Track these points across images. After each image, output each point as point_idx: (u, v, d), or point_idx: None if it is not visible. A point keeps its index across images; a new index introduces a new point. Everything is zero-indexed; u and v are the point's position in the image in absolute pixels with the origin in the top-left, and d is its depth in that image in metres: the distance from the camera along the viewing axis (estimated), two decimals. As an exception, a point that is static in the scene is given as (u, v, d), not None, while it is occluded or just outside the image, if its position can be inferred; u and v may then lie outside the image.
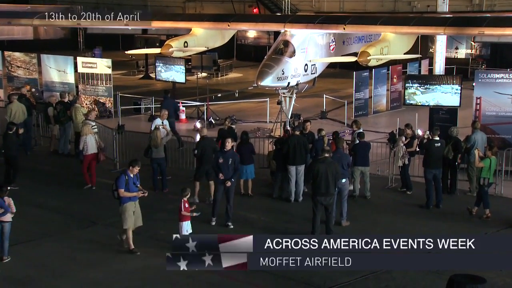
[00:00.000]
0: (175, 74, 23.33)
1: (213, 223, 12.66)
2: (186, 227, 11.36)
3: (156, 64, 24.18)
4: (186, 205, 11.48)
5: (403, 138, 14.94)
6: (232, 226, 12.53)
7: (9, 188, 11.37)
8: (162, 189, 14.97)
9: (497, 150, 13.52)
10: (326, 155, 12.04)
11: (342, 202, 12.74)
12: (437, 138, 14.00)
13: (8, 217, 11.07)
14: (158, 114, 17.06)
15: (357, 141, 14.83)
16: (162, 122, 15.71)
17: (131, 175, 11.34)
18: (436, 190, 13.99)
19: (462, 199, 14.62)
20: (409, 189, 15.04)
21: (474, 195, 14.48)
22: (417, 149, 15.05)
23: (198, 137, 17.45)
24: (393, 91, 24.98)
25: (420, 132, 18.09)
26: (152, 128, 15.40)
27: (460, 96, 17.54)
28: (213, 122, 22.11)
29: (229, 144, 12.69)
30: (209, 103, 22.96)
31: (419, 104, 18.16)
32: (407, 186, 15.07)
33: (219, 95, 24.24)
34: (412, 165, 15.46)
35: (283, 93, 19.93)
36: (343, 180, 12.65)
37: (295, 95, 20.20)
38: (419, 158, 15.53)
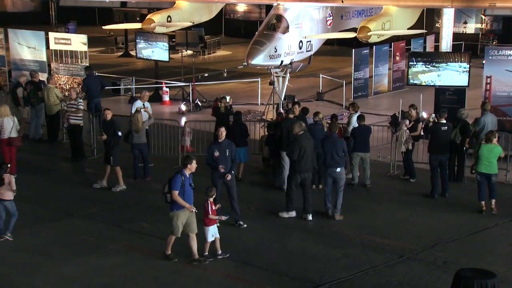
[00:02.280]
0: (158, 51, 23.21)
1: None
2: (212, 232, 10.85)
3: (137, 40, 24.02)
4: (213, 207, 10.90)
5: (407, 122, 14.96)
6: (245, 225, 12.17)
7: (9, 165, 11.58)
8: (144, 177, 14.97)
9: (490, 136, 12.86)
10: (303, 131, 12.58)
11: (337, 193, 12.69)
12: (444, 121, 14.02)
13: (10, 195, 11.40)
14: (138, 95, 17.00)
15: (356, 125, 14.84)
16: (143, 104, 15.65)
17: (187, 175, 10.65)
18: (442, 177, 14.04)
19: (470, 188, 14.67)
20: (413, 176, 15.09)
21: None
22: (422, 133, 15.08)
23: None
24: (395, 70, 24.99)
25: (425, 115, 18.14)
26: (133, 111, 15.34)
27: (469, 75, 17.56)
28: (200, 104, 22.06)
29: (223, 133, 12.19)
30: (195, 83, 22.88)
31: (424, 84, 18.19)
32: (411, 173, 15.12)
33: (206, 74, 24.17)
34: (416, 150, 15.50)
35: (276, 73, 19.86)
36: (338, 169, 12.62)
37: (288, 74, 20.14)
38: (423, 143, 15.58)
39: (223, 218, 11.09)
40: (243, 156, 14.71)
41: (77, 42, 22.08)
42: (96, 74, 21.26)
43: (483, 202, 13.00)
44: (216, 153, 12.09)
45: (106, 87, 20.22)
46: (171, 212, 10.63)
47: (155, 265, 10.69)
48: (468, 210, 13.26)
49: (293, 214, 12.68)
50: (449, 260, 10.90)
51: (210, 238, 10.86)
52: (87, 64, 20.87)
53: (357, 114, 15.24)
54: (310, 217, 12.54)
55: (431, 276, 10.41)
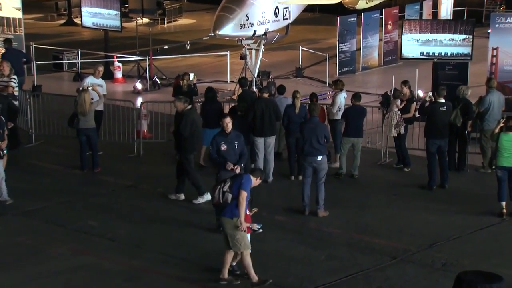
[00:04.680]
0: (107, 19, 22.98)
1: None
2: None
3: (82, 6, 23.76)
4: (247, 212, 10.33)
5: (398, 101, 14.99)
6: None
7: None
8: (93, 169, 14.87)
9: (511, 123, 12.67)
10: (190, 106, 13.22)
11: (318, 186, 12.72)
12: (443, 100, 14.12)
13: None
14: (91, 71, 16.74)
15: (342, 105, 14.87)
16: (90, 81, 15.50)
17: None
18: (441, 166, 14.16)
19: (473, 178, 14.84)
20: (407, 165, 15.20)
21: (488, 171, 14.72)
22: (416, 115, 15.17)
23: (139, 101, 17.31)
24: (387, 41, 25.10)
25: (421, 93, 18.25)
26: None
27: (472, 47, 17.68)
28: (158, 82, 21.95)
29: (229, 123, 11.95)
30: (153, 57, 22.74)
31: (420, 57, 18.28)
32: (404, 161, 15.23)
33: (166, 47, 24.02)
34: (411, 135, 15.60)
35: (248, 45, 19.82)
36: (319, 158, 12.64)
37: (262, 47, 20.12)
38: (419, 126, 15.69)
39: (256, 227, 10.87)
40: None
41: (9, 7, 21.75)
42: (20, 46, 20.99)
43: (503, 203, 12.79)
44: (223, 147, 11.86)
45: (45, 62, 19.99)
46: (236, 218, 9.86)
47: (106, 272, 10.63)
48: (471, 203, 13.38)
49: (208, 197, 12.93)
50: (449, 261, 11.00)
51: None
52: (20, 34, 20.58)
53: (343, 93, 15.28)
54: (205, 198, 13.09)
55: (428, 281, 10.51)
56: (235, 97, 19.69)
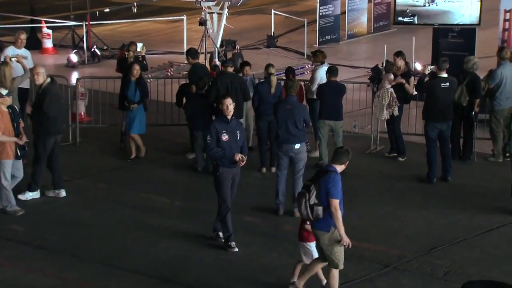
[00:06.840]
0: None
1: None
2: (314, 252, 10.27)
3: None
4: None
5: (391, 76, 15.04)
6: (236, 249, 11.63)
7: None
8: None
9: None
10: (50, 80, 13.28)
11: (295, 181, 12.72)
12: (445, 75, 14.20)
13: None
14: (11, 39, 16.64)
15: (324, 81, 14.91)
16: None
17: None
18: (443, 154, 14.27)
19: (481, 168, 14.96)
20: (402, 154, 15.30)
21: (499, 160, 14.85)
22: (413, 92, 15.24)
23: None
24: (378, 2, 25.16)
25: (418, 67, 18.32)
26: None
27: (481, 10, 17.76)
28: (98, 53, 21.83)
29: (231, 106, 11.56)
30: (91, 22, 22.58)
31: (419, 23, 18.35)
32: (399, 149, 15.32)
33: (107, 10, 23.89)
34: (406, 117, 15.69)
35: (209, 8, 19.76)
36: (297, 146, 12.64)
37: (226, 10, 20.07)
38: (416, 106, 15.77)
39: None
40: (138, 125, 14.90)
41: None
42: None
43: None
44: (225, 137, 11.48)
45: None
46: (327, 233, 9.79)
47: (33, 286, 10.56)
48: (479, 199, 13.50)
49: (37, 195, 13.18)
50: (453, 269, 11.10)
51: (308, 261, 10.36)
52: None
53: (324, 67, 15.30)
54: (53, 193, 13.38)
55: (427, 293, 10.63)
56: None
